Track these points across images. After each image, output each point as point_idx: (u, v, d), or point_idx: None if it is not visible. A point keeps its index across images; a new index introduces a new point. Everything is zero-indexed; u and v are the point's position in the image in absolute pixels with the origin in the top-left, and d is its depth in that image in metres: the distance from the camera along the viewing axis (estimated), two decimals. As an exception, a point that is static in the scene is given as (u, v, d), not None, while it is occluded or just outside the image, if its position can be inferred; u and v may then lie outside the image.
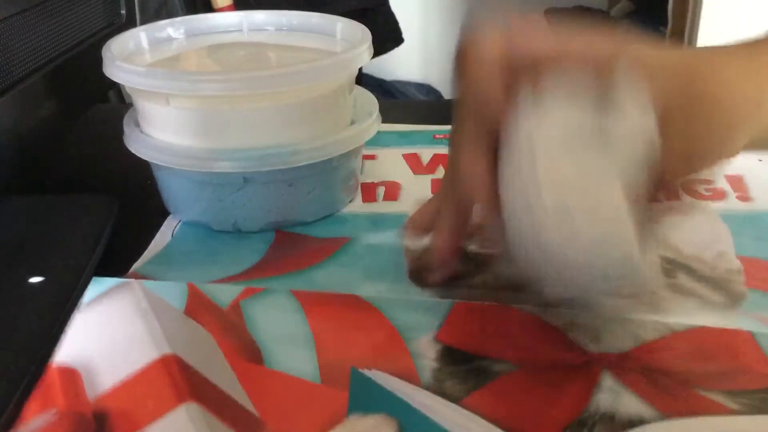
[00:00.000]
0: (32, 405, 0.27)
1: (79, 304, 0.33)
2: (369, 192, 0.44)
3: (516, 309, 0.33)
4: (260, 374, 0.29)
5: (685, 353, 0.30)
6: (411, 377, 0.29)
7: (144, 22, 0.49)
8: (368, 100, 0.44)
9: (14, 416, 0.27)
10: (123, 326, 0.31)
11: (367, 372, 0.29)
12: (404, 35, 1.29)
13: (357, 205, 0.43)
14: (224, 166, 0.37)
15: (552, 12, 1.78)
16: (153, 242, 0.40)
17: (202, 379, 0.28)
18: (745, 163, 0.47)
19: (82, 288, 0.35)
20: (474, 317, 0.32)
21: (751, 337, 0.31)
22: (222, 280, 0.35)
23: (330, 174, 0.41)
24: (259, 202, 0.39)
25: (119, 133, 0.41)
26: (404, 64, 1.78)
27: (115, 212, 0.41)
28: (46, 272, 0.35)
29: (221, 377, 0.29)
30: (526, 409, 0.27)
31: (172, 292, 0.33)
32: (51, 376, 0.29)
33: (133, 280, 0.34)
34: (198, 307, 0.33)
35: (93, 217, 0.40)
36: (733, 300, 0.34)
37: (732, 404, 0.27)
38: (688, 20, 1.13)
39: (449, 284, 0.35)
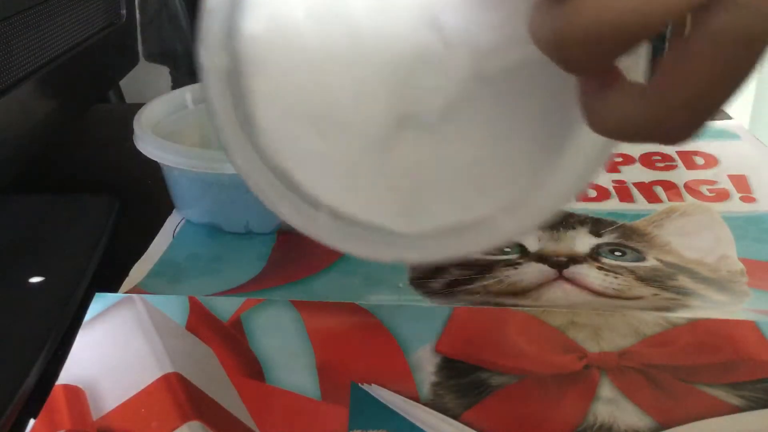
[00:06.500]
0: (39, 425, 0.27)
1: (82, 320, 0.32)
2: (370, 192, 0.44)
3: (515, 312, 0.32)
4: (262, 391, 0.29)
5: (687, 346, 0.30)
6: (410, 392, 0.28)
7: (144, 22, 0.49)
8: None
9: (15, 420, 0.27)
10: (126, 343, 0.31)
11: (366, 387, 0.29)
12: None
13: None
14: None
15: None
16: (154, 243, 0.39)
17: (204, 396, 0.28)
18: (748, 164, 0.47)
19: (83, 288, 0.34)
20: (473, 322, 0.32)
21: (754, 326, 0.31)
22: (223, 293, 0.35)
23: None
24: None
25: (120, 132, 0.41)
26: (404, 65, 1.77)
27: (115, 212, 0.40)
28: (47, 272, 0.35)
29: (223, 394, 0.28)
30: (524, 423, 0.27)
31: (174, 307, 0.33)
32: (57, 395, 0.28)
33: (134, 295, 0.34)
34: (199, 321, 0.32)
35: (93, 217, 0.40)
36: (735, 300, 0.34)
37: (734, 399, 0.27)
38: (688, 20, 1.13)
39: (449, 289, 0.35)
